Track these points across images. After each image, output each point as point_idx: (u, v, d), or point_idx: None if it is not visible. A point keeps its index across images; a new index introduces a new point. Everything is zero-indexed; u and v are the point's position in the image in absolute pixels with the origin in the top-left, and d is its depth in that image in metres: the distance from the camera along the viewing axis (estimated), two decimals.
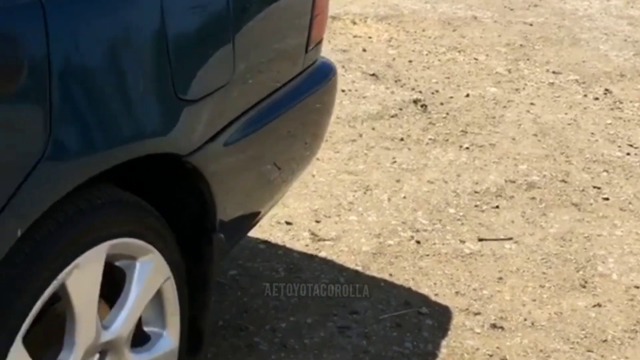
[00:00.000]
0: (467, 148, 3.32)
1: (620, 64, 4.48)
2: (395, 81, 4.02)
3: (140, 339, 1.56)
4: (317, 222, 2.69)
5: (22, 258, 1.23)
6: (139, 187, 1.49)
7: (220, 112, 1.63)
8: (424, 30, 4.90)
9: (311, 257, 2.51)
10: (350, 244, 2.59)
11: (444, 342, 2.17)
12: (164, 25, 1.41)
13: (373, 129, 3.44)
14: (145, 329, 1.58)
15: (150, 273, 1.49)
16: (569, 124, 3.64)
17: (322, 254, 2.53)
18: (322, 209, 2.76)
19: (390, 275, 2.45)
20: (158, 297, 1.55)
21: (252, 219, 1.95)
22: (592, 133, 3.55)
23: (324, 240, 2.60)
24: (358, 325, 2.21)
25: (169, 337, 1.61)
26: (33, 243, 1.24)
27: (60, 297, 1.33)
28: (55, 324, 1.35)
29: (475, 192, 2.97)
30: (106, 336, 1.42)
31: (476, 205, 2.88)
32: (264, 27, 1.74)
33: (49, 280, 1.27)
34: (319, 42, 2.03)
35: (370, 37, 4.69)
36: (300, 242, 2.57)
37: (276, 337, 2.14)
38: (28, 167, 1.18)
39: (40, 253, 1.26)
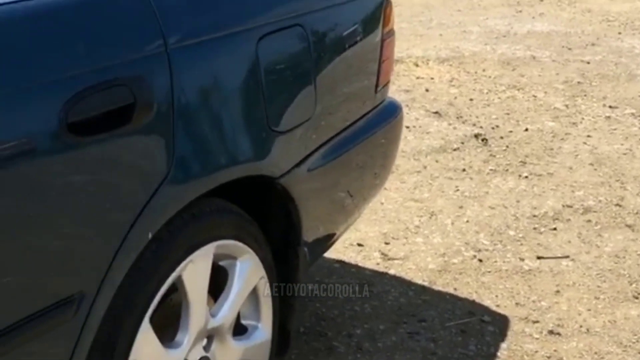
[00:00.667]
0: (526, 177, 3.57)
1: None
2: (457, 118, 4.29)
3: (239, 330, 1.85)
4: (387, 243, 2.96)
5: (150, 254, 1.53)
6: (240, 202, 1.79)
7: (304, 142, 1.92)
8: (484, 70, 5.17)
9: (382, 274, 2.78)
10: (417, 263, 2.85)
11: (504, 345, 2.41)
12: (259, 72, 1.72)
13: (437, 161, 3.71)
14: (243, 322, 1.87)
15: (248, 271, 1.79)
16: (625, 154, 3.85)
17: (392, 272, 2.80)
18: (390, 232, 3.03)
19: (455, 289, 2.71)
20: (254, 293, 1.84)
21: (329, 239, 2.23)
22: None
23: (393, 259, 2.87)
24: (426, 331, 2.47)
25: (263, 330, 1.90)
26: (159, 243, 1.54)
27: (177, 288, 1.63)
28: (173, 310, 1.65)
29: (534, 215, 3.21)
30: (213, 323, 1.72)
31: (535, 228, 3.11)
32: (339, 71, 2.04)
33: (169, 272, 1.57)
34: (387, 84, 2.33)
35: (432, 78, 4.98)
36: (371, 261, 2.84)
37: (352, 341, 2.41)
38: (156, 186, 1.48)
39: (164, 251, 1.56)
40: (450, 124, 4.20)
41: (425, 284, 2.73)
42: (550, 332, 2.49)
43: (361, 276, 2.75)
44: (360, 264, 2.82)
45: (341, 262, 2.82)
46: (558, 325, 2.52)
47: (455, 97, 4.66)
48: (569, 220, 3.18)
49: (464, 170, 3.63)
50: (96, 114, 1.37)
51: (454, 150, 3.85)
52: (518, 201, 3.33)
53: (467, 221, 3.16)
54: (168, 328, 1.65)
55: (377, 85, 2.25)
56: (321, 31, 1.94)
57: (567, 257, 2.91)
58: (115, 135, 1.40)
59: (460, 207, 3.27)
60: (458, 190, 3.42)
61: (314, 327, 2.45)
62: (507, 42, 5.83)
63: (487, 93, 4.75)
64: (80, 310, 1.38)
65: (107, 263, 1.41)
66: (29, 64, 1.29)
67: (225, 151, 1.67)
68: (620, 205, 3.31)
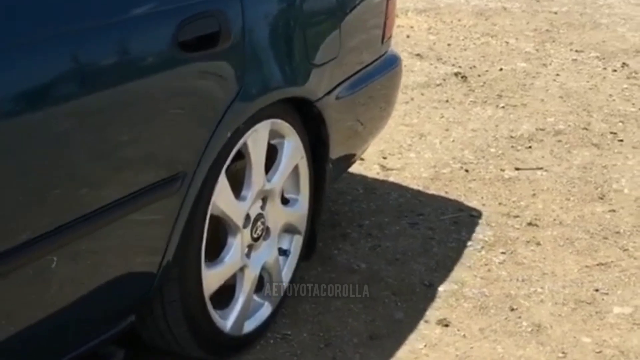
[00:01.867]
0: (503, 107, 4.07)
1: (636, 42, 5.21)
2: (437, 59, 4.78)
3: (284, 201, 2.32)
4: (384, 158, 3.45)
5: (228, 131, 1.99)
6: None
7: (332, 76, 2.39)
8: (459, 20, 5.66)
9: (382, 181, 3.27)
10: (412, 172, 3.34)
11: (490, 233, 2.92)
12: (302, 17, 2.19)
13: (422, 94, 4.20)
14: (286, 195, 2.34)
15: (293, 149, 2.26)
16: (590, 89, 4.38)
17: (391, 179, 3.29)
18: (387, 150, 3.52)
19: (446, 192, 3.20)
20: (295, 171, 2.31)
21: (348, 159, 2.71)
22: (610, 95, 4.29)
23: (391, 169, 3.36)
24: (424, 222, 2.96)
25: (302, 203, 2.37)
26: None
27: (244, 156, 2.09)
28: (240, 176, 2.12)
29: (511, 137, 3.71)
30: (268, 186, 2.19)
31: (512, 146, 3.62)
32: (356, 23, 2.52)
33: (239, 138, 2.03)
34: (390, 38, 2.80)
35: (412, 27, 5.46)
36: (372, 172, 3.33)
37: (362, 229, 2.90)
38: (233, 96, 1.94)
39: (237, 125, 2.01)
40: (431, 64, 4.69)
41: (420, 188, 3.23)
42: (529, 223, 3.00)
43: (365, 182, 3.24)
44: (363, 173, 3.30)
45: (347, 172, 3.29)
46: (535, 219, 3.03)
47: (434, 43, 5.14)
48: (542, 140, 3.70)
49: (447, 101, 4.12)
50: (196, 37, 1.83)
51: (437, 85, 4.34)
52: (497, 125, 3.84)
53: (453, 141, 3.65)
54: (236, 187, 2.11)
55: (383, 37, 2.72)
56: None
57: (541, 168, 3.42)
58: (207, 54, 1.86)
59: (446, 130, 3.76)
60: (443, 117, 3.92)
61: (329, 220, 2.93)
62: None
63: (463, 40, 5.24)
64: (183, 182, 1.85)
65: (198, 154, 1.88)
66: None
67: (280, 76, 2.15)
68: (586, 129, 3.83)
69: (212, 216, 2.01)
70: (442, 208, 3.08)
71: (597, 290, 2.62)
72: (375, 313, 2.46)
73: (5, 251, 1.51)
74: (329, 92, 2.37)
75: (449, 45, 5.09)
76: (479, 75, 4.52)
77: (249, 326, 2.25)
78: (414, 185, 3.26)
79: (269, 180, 2.20)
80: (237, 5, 1.96)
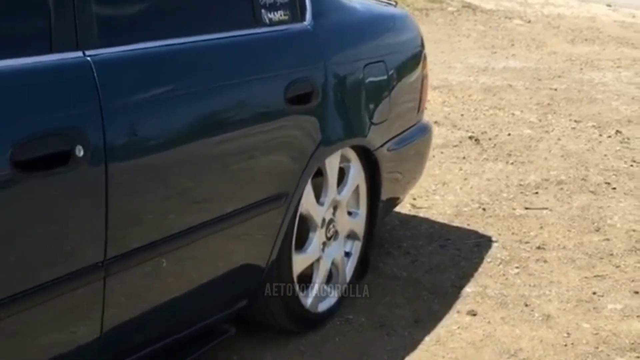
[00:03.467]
0: (512, 163, 4.86)
1: (628, 114, 6.04)
2: (453, 126, 5.59)
3: (348, 214, 3.08)
4: (414, 199, 4.21)
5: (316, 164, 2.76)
6: None
7: (385, 133, 3.14)
8: (469, 95, 6.50)
9: (413, 216, 4.02)
10: (438, 210, 4.10)
11: (506, 253, 3.65)
12: (364, 85, 2.97)
13: (442, 152, 4.99)
14: (350, 209, 3.10)
15: (356, 172, 3.03)
16: (587, 150, 5.17)
17: (421, 214, 4.05)
18: (416, 194, 4.28)
19: (468, 225, 3.96)
20: (356, 191, 3.08)
21: (394, 201, 3.46)
22: (605, 154, 5.08)
23: (420, 208, 4.12)
24: (451, 245, 3.71)
25: (361, 215, 3.13)
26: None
27: (322, 172, 2.86)
28: (319, 187, 2.88)
29: (520, 184, 4.49)
30: (338, 197, 2.95)
31: (521, 192, 4.39)
32: (400, 94, 3.25)
33: (320, 160, 2.80)
34: (423, 109, 3.57)
35: (429, 100, 6.28)
36: (405, 209, 4.08)
37: (401, 249, 3.64)
38: (317, 144, 2.70)
39: (321, 161, 2.78)
40: (448, 130, 5.49)
41: (446, 222, 3.98)
42: (538, 247, 3.74)
43: (399, 217, 3.99)
44: (397, 210, 4.05)
45: None
46: (543, 244, 3.78)
47: (449, 113, 5.97)
48: (546, 188, 4.47)
49: (463, 158, 4.91)
50: (297, 95, 2.61)
51: (454, 146, 5.14)
52: (507, 177, 4.62)
53: (471, 187, 4.43)
54: (317, 196, 2.87)
55: (419, 108, 3.51)
56: (393, 66, 3.19)
57: (546, 208, 4.18)
58: (304, 108, 2.64)
59: (465, 179, 4.54)
60: (461, 170, 4.70)
61: (375, 242, 3.67)
62: (486, 75, 7.20)
63: (474, 111, 6.06)
64: (287, 199, 2.61)
65: (298, 178, 2.65)
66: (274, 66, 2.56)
67: (350, 128, 2.92)
68: (584, 180, 4.60)
69: (300, 215, 2.77)
70: (465, 236, 3.83)
71: (594, 293, 3.34)
72: (416, 306, 3.19)
73: (176, 234, 2.24)
74: (382, 145, 3.14)
75: (462, 115, 5.91)
76: (489, 139, 5.32)
77: (322, 307, 2.98)
78: (440, 219, 4.01)
79: (339, 193, 2.96)
80: (322, 75, 2.75)
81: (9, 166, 1.79)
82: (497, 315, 3.15)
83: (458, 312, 3.17)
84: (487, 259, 3.61)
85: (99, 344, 2.14)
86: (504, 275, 3.47)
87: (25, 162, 1.82)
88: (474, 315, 3.15)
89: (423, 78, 3.46)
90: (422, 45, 3.50)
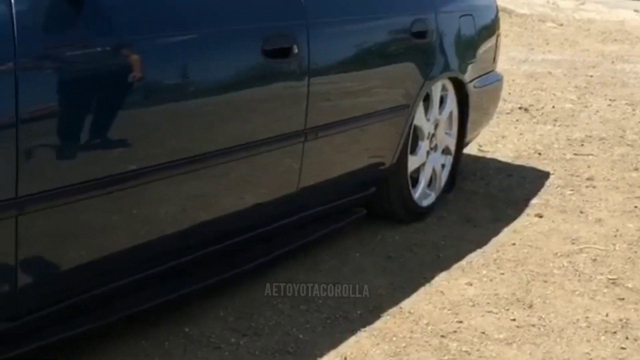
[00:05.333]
0: (559, 125, 5.84)
1: None
2: (503, 100, 6.57)
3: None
4: (480, 146, 5.20)
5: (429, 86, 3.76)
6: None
7: (473, 71, 4.14)
8: (514, 80, 7.48)
9: (481, 157, 5.00)
10: (501, 153, 5.09)
11: (561, 181, 4.62)
12: (460, 32, 3.99)
13: (497, 117, 5.98)
14: (445, 131, 4.08)
15: (451, 99, 4.01)
16: (623, 119, 6.15)
17: (487, 156, 5.03)
18: (481, 142, 5.26)
19: (527, 163, 4.94)
20: (450, 116, 4.06)
21: (473, 131, 4.45)
22: (638, 122, 6.06)
23: (486, 152, 5.10)
24: (516, 175, 4.69)
25: (453, 134, 4.11)
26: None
27: (429, 96, 3.84)
28: (427, 107, 3.86)
29: (568, 139, 5.47)
30: (439, 117, 3.94)
31: (569, 144, 5.37)
32: (483, 43, 4.27)
33: (429, 85, 3.79)
34: (497, 60, 4.56)
35: None
36: (472, 152, 5.06)
37: (476, 177, 4.62)
38: (430, 71, 3.70)
39: (431, 85, 3.78)
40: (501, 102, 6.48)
41: (509, 161, 4.97)
42: (587, 178, 4.71)
43: (470, 158, 4.97)
44: (466, 153, 5.02)
45: None
46: (590, 177, 4.75)
47: None
48: (590, 142, 5.45)
49: (516, 120, 5.90)
50: (419, 31, 3.61)
51: (507, 113, 6.13)
52: (556, 134, 5.60)
53: (526, 140, 5.41)
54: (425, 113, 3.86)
55: (494, 58, 4.51)
56: (478, 20, 4.20)
57: (592, 154, 5.16)
58: (421, 42, 3.64)
59: (520, 134, 5.53)
60: (516, 128, 5.69)
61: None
62: (527, 64, 8.19)
63: (519, 91, 7.05)
64: (408, 110, 3.60)
65: (416, 95, 3.63)
66: (405, 9, 3.58)
67: (453, 64, 3.91)
68: (622, 137, 5.58)
69: (414, 126, 3.75)
70: (526, 170, 4.82)
71: (635, 207, 4.31)
72: (494, 210, 4.16)
73: (346, 119, 3.24)
74: (470, 81, 4.13)
75: (509, 93, 6.89)
76: (537, 109, 6.31)
77: (425, 203, 3.96)
78: (503, 159, 4.99)
79: (439, 114, 3.95)
80: (434, 20, 3.74)
81: (260, 53, 2.78)
82: (559, 217, 4.12)
83: (527, 214, 4.14)
84: (547, 184, 4.58)
85: (296, 197, 3.12)
86: (561, 194, 4.44)
87: (267, 51, 2.82)
88: (541, 217, 4.11)
89: (497, 35, 4.46)
90: (497, 10, 4.51)
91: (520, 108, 6.31)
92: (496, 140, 5.38)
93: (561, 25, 10.94)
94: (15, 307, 2.25)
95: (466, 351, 2.83)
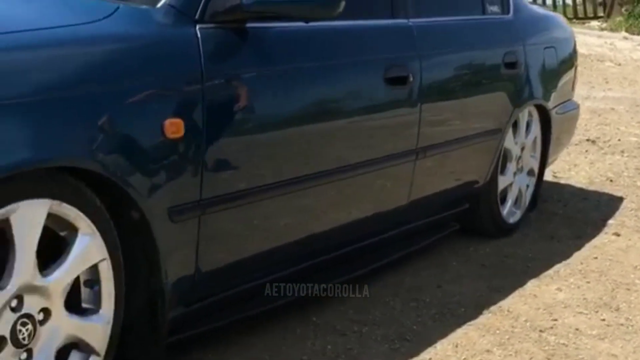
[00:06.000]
0: (627, 156, 6.20)
1: None
2: None
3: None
4: (554, 172, 5.57)
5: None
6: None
7: (555, 99, 4.54)
8: (580, 115, 7.84)
9: (557, 183, 5.38)
10: (575, 180, 5.46)
11: (634, 205, 4.97)
12: (545, 64, 4.39)
13: (566, 149, 6.35)
14: (530, 154, 4.47)
15: (535, 126, 4.41)
16: None
17: (562, 182, 5.40)
18: (555, 169, 5.64)
19: (600, 190, 5.30)
20: (535, 142, 4.45)
21: (554, 155, 4.82)
22: None
23: (560, 178, 5.48)
24: (591, 199, 5.06)
25: (537, 158, 4.50)
26: None
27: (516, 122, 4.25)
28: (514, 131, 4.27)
29: (637, 168, 5.82)
30: (526, 141, 4.34)
31: (639, 173, 5.72)
32: (564, 76, 4.68)
33: (518, 111, 4.19)
34: (574, 89, 4.96)
35: None
36: (548, 178, 5.44)
37: (554, 200, 4.99)
38: (520, 97, 4.13)
39: (519, 107, 4.19)
40: None
41: (583, 187, 5.33)
42: None
43: (547, 183, 5.34)
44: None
45: None
46: None
47: None
48: None
49: (586, 151, 6.27)
50: (509, 62, 4.03)
51: (575, 145, 6.49)
52: (625, 163, 5.96)
53: (597, 168, 5.78)
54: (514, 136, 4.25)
55: (572, 86, 4.91)
56: (560, 52, 4.61)
57: None
58: (512, 72, 4.06)
59: (591, 163, 5.90)
60: (586, 158, 6.06)
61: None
62: (589, 101, 8.56)
63: (585, 125, 7.41)
64: (500, 133, 4.01)
65: (507, 120, 4.04)
66: (496, 41, 4.01)
67: (539, 93, 4.32)
68: None
69: (504, 149, 4.15)
70: (601, 195, 5.18)
71: None
72: (574, 229, 4.53)
73: (446, 142, 3.65)
74: (553, 108, 4.53)
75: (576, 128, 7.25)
76: (604, 142, 6.67)
77: (511, 220, 4.34)
78: (577, 185, 5.37)
79: (525, 138, 4.34)
80: (522, 52, 4.15)
81: (381, 81, 3.21)
82: (635, 236, 4.47)
83: (606, 233, 4.50)
84: (621, 207, 4.95)
85: (406, 209, 3.53)
86: (636, 216, 4.80)
87: (388, 79, 3.24)
88: (618, 235, 4.47)
89: (575, 66, 4.86)
90: (575, 43, 4.91)
91: (587, 140, 6.67)
92: (569, 169, 5.75)
93: (619, 65, 11.30)
94: (191, 294, 2.66)
95: (563, 344, 3.19)
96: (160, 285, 2.45)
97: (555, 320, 3.39)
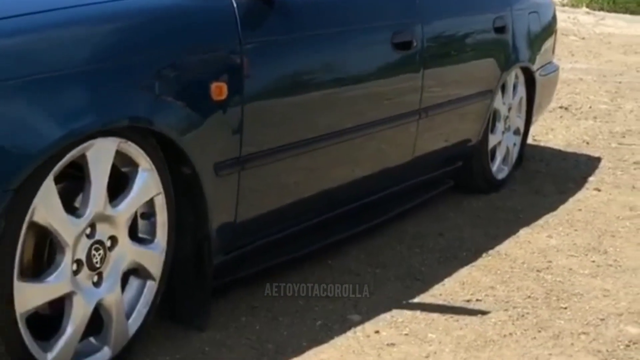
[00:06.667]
0: (600, 121, 6.54)
1: None
2: None
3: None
4: (534, 136, 5.88)
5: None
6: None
7: (538, 61, 4.84)
8: None
9: (537, 145, 5.69)
10: (553, 142, 5.78)
11: (611, 164, 5.30)
12: (529, 26, 4.69)
13: (542, 115, 6.67)
14: (517, 114, 4.77)
15: (520, 85, 4.71)
16: None
17: (541, 144, 5.72)
18: (534, 133, 5.95)
19: (577, 151, 5.62)
20: (520, 102, 4.75)
21: (537, 114, 5.13)
22: None
23: (539, 141, 5.80)
24: (571, 159, 5.38)
25: (523, 117, 4.80)
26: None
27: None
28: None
29: (610, 132, 6.16)
30: (512, 101, 4.63)
31: (612, 136, 6.06)
32: (545, 36, 4.98)
33: (507, 74, 4.48)
34: (554, 51, 5.27)
35: None
36: (529, 142, 5.75)
37: (536, 158, 5.30)
38: (506, 61, 4.41)
39: (509, 73, 4.47)
40: None
41: (561, 148, 5.65)
42: (634, 162, 5.39)
43: (527, 146, 5.65)
44: None
45: None
46: (637, 162, 5.43)
47: None
48: (631, 135, 6.14)
49: (561, 117, 6.60)
50: (499, 26, 4.32)
51: (550, 112, 6.81)
52: (599, 127, 6.30)
53: (573, 132, 6.11)
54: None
55: (553, 49, 5.22)
56: (542, 17, 4.92)
57: (634, 144, 5.85)
58: (501, 36, 4.35)
59: (567, 127, 6.23)
60: (562, 123, 6.39)
61: None
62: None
63: (557, 94, 7.72)
64: (490, 94, 4.29)
65: (497, 82, 4.32)
66: (487, 7, 4.30)
67: (524, 56, 4.61)
68: None
69: (494, 109, 4.44)
70: (579, 155, 5.50)
71: None
72: (557, 184, 4.85)
73: (444, 102, 3.93)
74: (537, 70, 4.83)
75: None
76: (576, 109, 7.00)
77: (500, 176, 4.64)
78: (555, 146, 5.68)
79: (512, 99, 4.64)
80: (510, 16, 4.44)
81: (390, 45, 3.47)
82: (614, 191, 4.80)
83: (587, 188, 4.82)
84: (599, 166, 5.27)
85: (410, 164, 3.81)
86: (613, 174, 5.13)
87: (395, 44, 3.50)
88: (599, 190, 4.79)
89: (555, 30, 5.17)
90: (554, 8, 5.22)
91: (560, 107, 7.00)
92: (546, 132, 6.07)
93: (583, 38, 11.67)
94: (231, 242, 2.91)
95: (560, 281, 3.50)
96: (207, 233, 2.70)
97: (550, 262, 3.69)
